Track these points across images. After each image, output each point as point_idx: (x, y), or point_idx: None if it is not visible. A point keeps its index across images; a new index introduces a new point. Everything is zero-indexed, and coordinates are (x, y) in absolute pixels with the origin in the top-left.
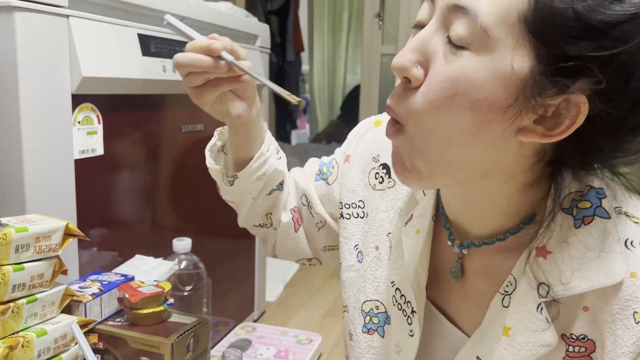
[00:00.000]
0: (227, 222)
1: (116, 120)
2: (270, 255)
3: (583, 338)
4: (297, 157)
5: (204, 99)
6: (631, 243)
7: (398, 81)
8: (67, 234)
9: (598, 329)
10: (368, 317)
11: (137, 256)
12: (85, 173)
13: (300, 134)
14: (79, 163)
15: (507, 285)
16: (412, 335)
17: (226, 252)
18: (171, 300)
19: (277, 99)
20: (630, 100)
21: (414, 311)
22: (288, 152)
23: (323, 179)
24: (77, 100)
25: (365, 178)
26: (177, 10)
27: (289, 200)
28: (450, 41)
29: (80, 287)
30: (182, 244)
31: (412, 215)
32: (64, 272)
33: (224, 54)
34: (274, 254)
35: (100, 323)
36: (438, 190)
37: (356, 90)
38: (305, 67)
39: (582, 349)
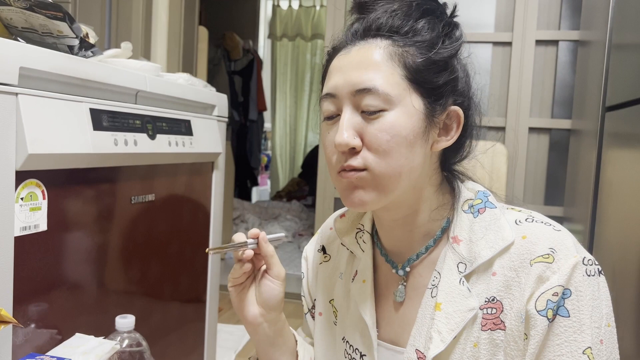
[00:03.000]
0: (176, 288)
1: (63, 194)
2: None
3: (493, 299)
4: (256, 215)
5: (245, 302)
6: (519, 221)
7: None
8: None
9: (505, 287)
10: None
11: (77, 335)
12: (25, 250)
13: (262, 190)
14: (19, 240)
15: (433, 280)
16: None
17: (174, 320)
18: None
19: (238, 156)
20: (471, 100)
21: (363, 355)
22: (247, 209)
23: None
24: (22, 176)
25: (317, 266)
26: (134, 84)
27: None
28: (368, 112)
29: None
30: (125, 321)
31: (356, 271)
32: None
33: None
34: None
35: None
36: (374, 238)
37: (317, 149)
38: (267, 125)
39: (493, 310)
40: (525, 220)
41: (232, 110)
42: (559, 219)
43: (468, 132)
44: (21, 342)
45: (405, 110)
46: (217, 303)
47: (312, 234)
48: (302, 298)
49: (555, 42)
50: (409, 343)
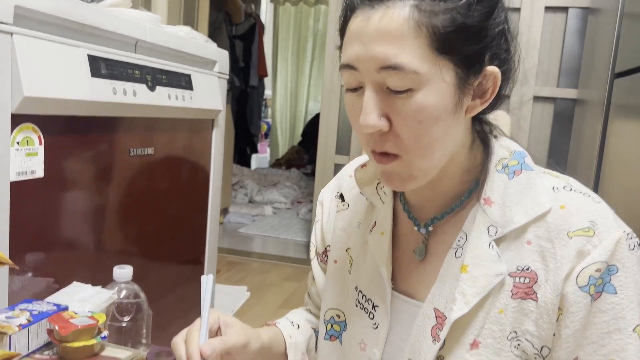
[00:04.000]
0: (174, 248)
1: (59, 142)
2: None
3: (527, 269)
4: (255, 181)
5: None
6: (557, 188)
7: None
8: None
9: (541, 258)
10: (329, 325)
11: (75, 283)
12: (22, 196)
13: (261, 158)
14: (15, 185)
15: (458, 241)
16: (376, 328)
17: (172, 279)
18: (105, 333)
19: (238, 122)
20: (508, 55)
21: (376, 306)
22: (247, 175)
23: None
24: (17, 120)
25: (333, 213)
26: (133, 33)
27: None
28: (394, 91)
29: (7, 317)
30: (123, 272)
31: (375, 222)
32: None
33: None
34: None
35: (26, 356)
36: (395, 193)
37: (317, 118)
38: (268, 92)
39: (526, 280)
40: (563, 188)
41: (233, 75)
42: None
43: (504, 87)
44: (18, 289)
45: (436, 87)
46: (215, 264)
47: (311, 202)
48: (311, 243)
49: (565, 9)
50: (427, 300)
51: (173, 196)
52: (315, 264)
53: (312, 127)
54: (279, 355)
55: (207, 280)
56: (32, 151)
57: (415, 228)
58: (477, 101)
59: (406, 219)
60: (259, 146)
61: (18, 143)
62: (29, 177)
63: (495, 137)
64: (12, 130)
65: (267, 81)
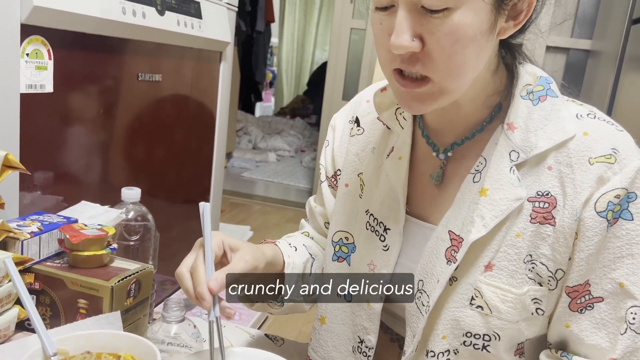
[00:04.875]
0: (180, 179)
1: (69, 58)
2: None
3: (547, 194)
4: (259, 128)
5: None
6: (580, 115)
7: (365, 57)
8: (7, 165)
9: (560, 184)
10: (338, 247)
11: (83, 202)
12: (31, 110)
13: (265, 107)
14: (25, 98)
15: (477, 166)
16: (386, 250)
17: (177, 212)
18: (114, 245)
19: (243, 69)
20: None
21: (387, 228)
22: (251, 122)
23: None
24: (27, 31)
25: (347, 138)
26: None
27: (322, 246)
28: (431, 10)
29: (18, 225)
30: (131, 192)
31: (392, 147)
32: (1, 206)
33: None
34: None
35: (37, 263)
36: (415, 115)
37: (323, 67)
38: (274, 40)
39: (546, 205)
40: (587, 115)
41: (239, 19)
42: None
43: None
44: (28, 204)
45: (473, 6)
46: (220, 203)
47: (315, 150)
48: (321, 166)
49: None
50: (441, 223)
51: (180, 126)
52: (325, 186)
53: (318, 77)
54: (276, 273)
55: (204, 208)
56: (42, 64)
57: (434, 154)
58: (510, 23)
59: (424, 144)
60: (263, 94)
61: (27, 55)
62: (38, 90)
63: (521, 62)
64: (21, 41)
65: (274, 28)
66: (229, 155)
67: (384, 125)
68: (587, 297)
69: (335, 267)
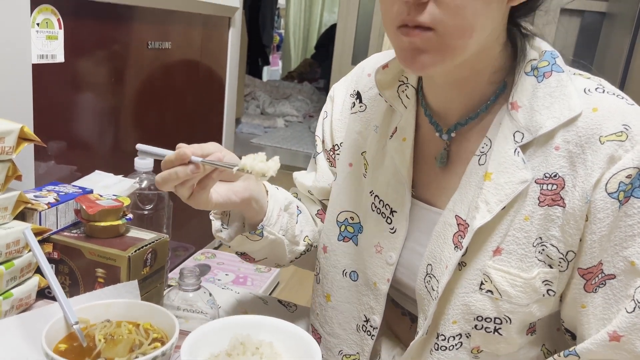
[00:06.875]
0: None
1: (79, 27)
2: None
3: (555, 175)
4: (267, 93)
5: (202, 202)
6: (588, 89)
7: (376, 19)
8: (22, 138)
9: (569, 164)
10: (343, 227)
11: (97, 172)
12: (44, 80)
13: (273, 71)
14: (37, 68)
15: (482, 147)
16: (393, 232)
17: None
18: (130, 215)
19: (250, 32)
20: None
21: (394, 211)
22: (259, 87)
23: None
24: (37, 0)
25: (348, 112)
26: None
27: (312, 210)
28: None
29: (35, 196)
30: (144, 162)
31: (396, 127)
32: (18, 178)
33: (193, 158)
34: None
35: (55, 233)
36: (418, 94)
37: (332, 30)
38: (281, 2)
39: (554, 187)
40: (596, 89)
41: None
42: None
43: None
44: (43, 173)
45: None
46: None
47: None
48: (317, 137)
49: None
50: (447, 207)
51: (190, 93)
52: (321, 159)
53: (326, 40)
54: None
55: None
56: (52, 34)
57: (437, 134)
58: None
59: (428, 124)
60: (270, 58)
61: (38, 25)
62: (49, 61)
63: (527, 37)
64: (31, 11)
65: None
66: (237, 121)
67: (386, 103)
68: (600, 275)
69: (342, 247)
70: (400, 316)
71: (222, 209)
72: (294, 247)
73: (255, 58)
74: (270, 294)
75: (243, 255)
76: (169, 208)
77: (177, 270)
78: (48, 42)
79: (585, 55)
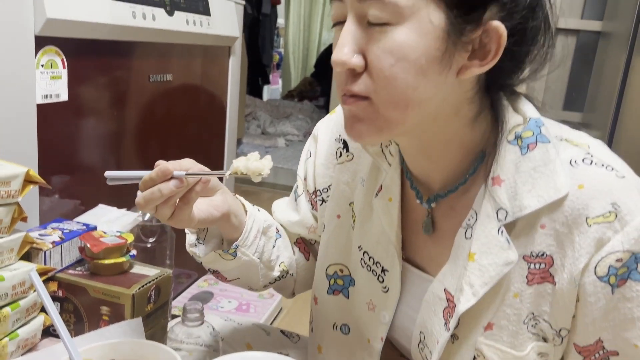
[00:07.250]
0: None
1: (82, 65)
2: (289, 297)
3: (542, 254)
4: (267, 113)
5: (185, 220)
6: (575, 161)
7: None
8: (28, 180)
9: (557, 242)
10: (332, 280)
11: (100, 206)
12: (48, 119)
13: (273, 89)
14: (41, 108)
15: (468, 219)
16: (386, 292)
17: None
18: (133, 252)
19: (250, 52)
20: (527, 8)
21: (385, 270)
22: (259, 107)
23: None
24: (41, 42)
25: (333, 158)
26: None
27: (291, 237)
28: (372, 24)
29: (40, 235)
30: None
31: (381, 185)
32: (24, 220)
33: (176, 173)
34: (292, 295)
35: (60, 271)
36: (402, 155)
37: (331, 48)
38: (280, 21)
39: (542, 265)
40: (583, 160)
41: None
42: (577, 125)
43: (529, 39)
44: (47, 209)
45: (418, 27)
46: (232, 189)
47: None
48: (298, 178)
49: None
50: (437, 278)
51: (192, 123)
52: (303, 201)
53: (325, 58)
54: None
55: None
56: (56, 74)
57: (418, 201)
58: (475, 61)
59: (410, 188)
60: (270, 77)
61: (42, 66)
62: (54, 100)
63: (510, 102)
64: (36, 52)
65: (280, 9)
66: (238, 142)
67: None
68: (601, 352)
69: (333, 301)
70: (399, 358)
71: (204, 225)
72: (268, 272)
73: (256, 77)
74: (273, 321)
75: (215, 273)
76: (172, 239)
77: (180, 298)
78: (52, 82)
79: (582, 72)
